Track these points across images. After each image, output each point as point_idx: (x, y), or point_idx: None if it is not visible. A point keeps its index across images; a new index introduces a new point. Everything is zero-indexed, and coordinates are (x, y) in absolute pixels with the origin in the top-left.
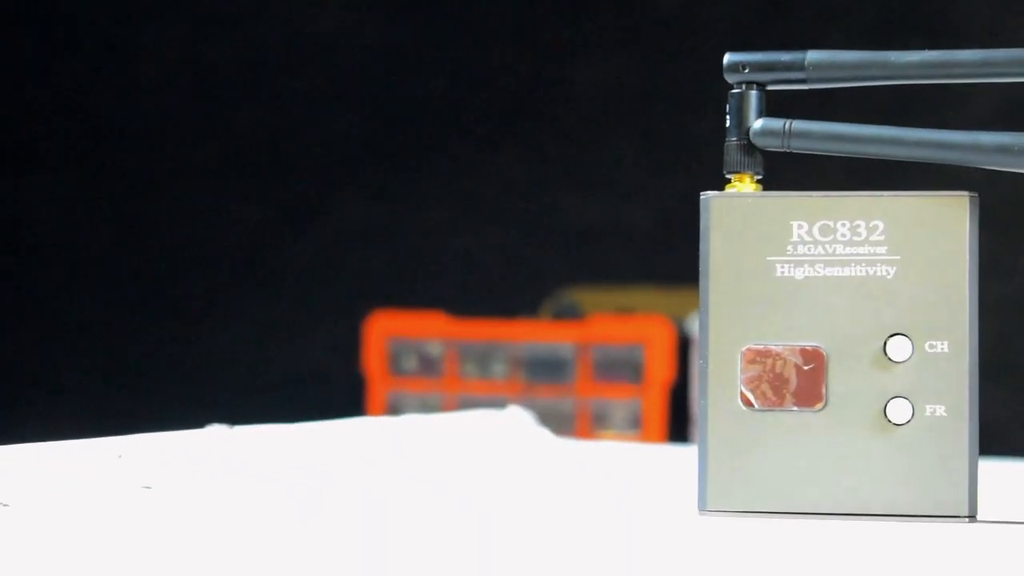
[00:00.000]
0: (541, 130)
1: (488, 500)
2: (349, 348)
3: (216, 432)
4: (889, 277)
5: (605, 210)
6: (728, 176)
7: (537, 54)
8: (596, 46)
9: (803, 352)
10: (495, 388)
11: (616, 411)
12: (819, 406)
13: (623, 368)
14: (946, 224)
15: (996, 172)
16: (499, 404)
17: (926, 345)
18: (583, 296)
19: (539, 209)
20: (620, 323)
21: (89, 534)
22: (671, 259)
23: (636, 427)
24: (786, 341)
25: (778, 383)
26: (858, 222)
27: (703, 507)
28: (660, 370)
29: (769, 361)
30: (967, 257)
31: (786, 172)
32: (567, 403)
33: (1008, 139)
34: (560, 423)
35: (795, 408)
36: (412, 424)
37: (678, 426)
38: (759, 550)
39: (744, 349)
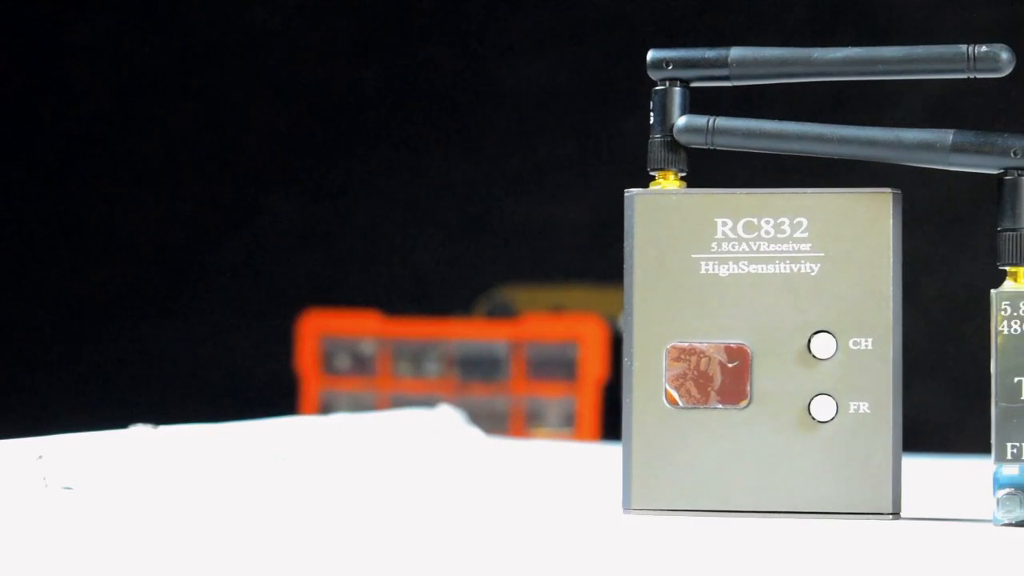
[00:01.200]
0: (474, 128)
1: (410, 499)
2: (282, 347)
3: (139, 432)
4: (813, 274)
5: (538, 208)
6: (652, 173)
7: (470, 53)
8: (529, 45)
9: (728, 350)
10: (429, 387)
11: (550, 409)
12: (743, 404)
13: (557, 366)
14: (870, 221)
15: (931, 170)
16: (433, 403)
17: (850, 342)
18: (517, 294)
19: (472, 207)
20: (554, 321)
21: (7, 536)
22: (605, 257)
23: (570, 425)
24: (711, 339)
25: (703, 381)
26: (782, 219)
27: (627, 506)
28: (594, 368)
29: (694, 359)
30: (890, 254)
31: (727, 169)
32: (501, 401)
33: (931, 136)
34: (494, 421)
35: (719, 406)
36: (339, 423)
37: (612, 424)
38: (680, 548)
39: (669, 347)
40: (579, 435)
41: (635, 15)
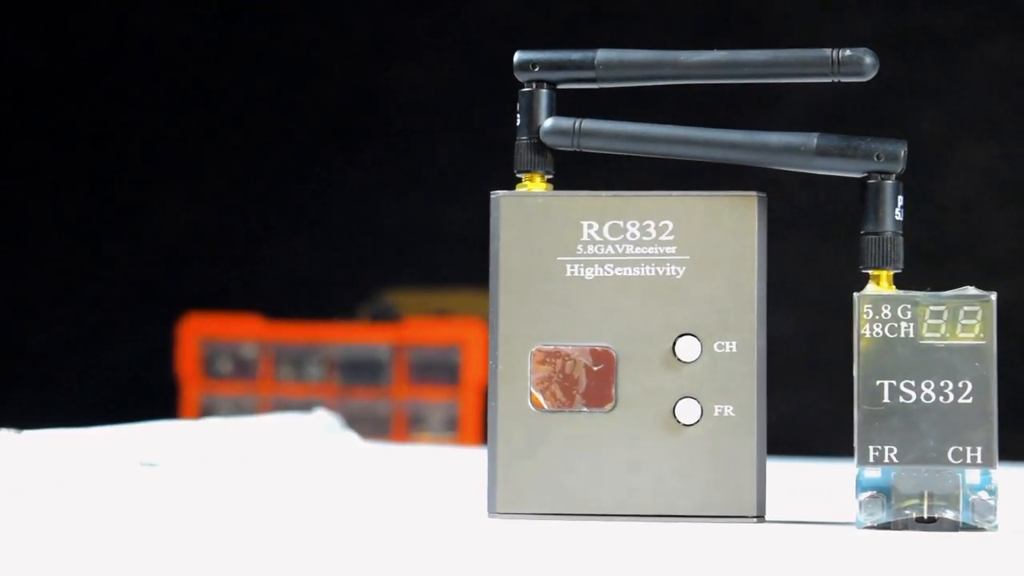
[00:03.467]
0: (357, 131)
1: (277, 504)
2: (162, 351)
3: (2, 437)
4: (678, 277)
5: (422, 212)
6: (518, 176)
7: (356, 57)
8: (414, 48)
9: (593, 353)
10: (310, 390)
11: (432, 413)
12: (609, 407)
13: (439, 370)
14: (734, 224)
15: (814, 175)
16: (315, 407)
17: (715, 345)
18: (400, 298)
19: (355, 211)
20: (436, 325)
21: None
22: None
23: (452, 429)
24: (576, 342)
25: (568, 384)
26: (648, 222)
27: (492, 510)
28: (476, 372)
29: (559, 362)
30: (755, 257)
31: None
32: (383, 405)
33: (795, 139)
34: (377, 426)
35: (585, 409)
36: (211, 428)
37: None
38: (538, 552)
39: (534, 350)
40: (462, 439)
41: (521, 18)
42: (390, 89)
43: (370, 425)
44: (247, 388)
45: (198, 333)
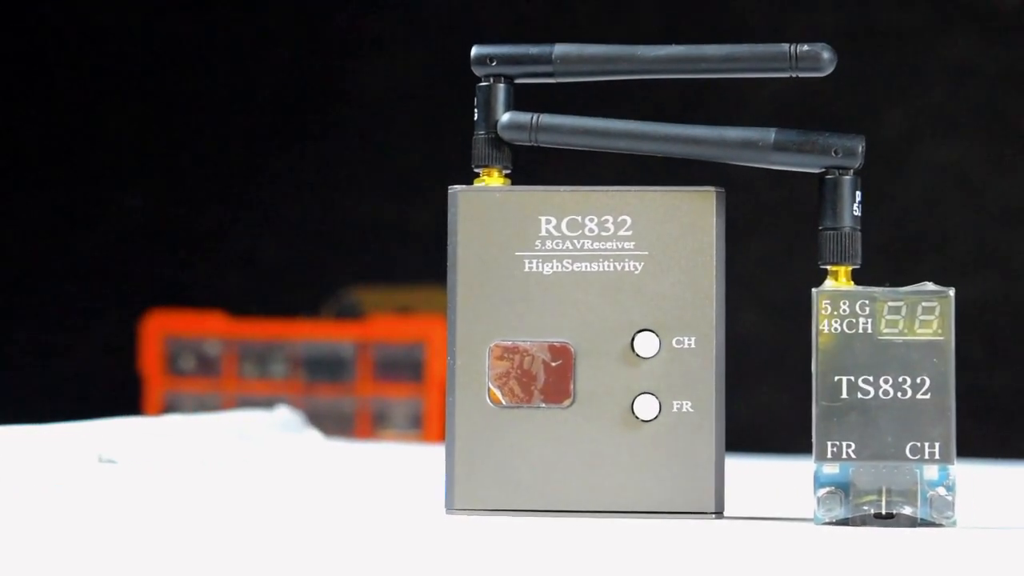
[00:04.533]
0: (323, 129)
1: (234, 500)
2: (125, 347)
3: None
4: (637, 273)
5: (386, 209)
6: (476, 170)
7: (321, 53)
8: (377, 45)
9: (551, 348)
10: (274, 388)
11: (397, 410)
12: (567, 403)
13: (404, 367)
14: (693, 219)
15: (778, 173)
16: (278, 404)
17: (673, 341)
18: (364, 295)
19: (320, 208)
20: (400, 322)
21: None
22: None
23: (417, 426)
24: (534, 337)
25: (526, 380)
26: (606, 217)
27: (450, 506)
28: (440, 369)
29: (517, 357)
30: (714, 252)
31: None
32: (348, 403)
33: (753, 134)
34: (341, 423)
35: (543, 405)
36: (171, 424)
37: None
38: (497, 549)
39: (492, 345)
40: (426, 436)
41: (485, 14)
42: (355, 85)
43: (334, 422)
44: (211, 385)
45: (161, 330)
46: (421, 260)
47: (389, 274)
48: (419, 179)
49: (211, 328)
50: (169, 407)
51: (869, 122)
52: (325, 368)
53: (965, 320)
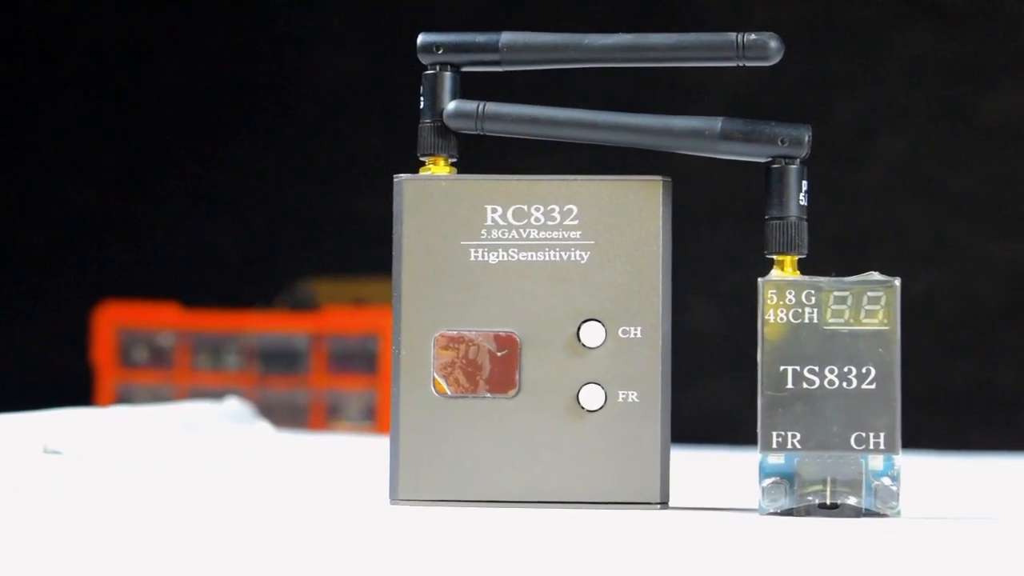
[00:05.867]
0: (276, 120)
1: (179, 491)
2: (77, 339)
3: None
4: (583, 262)
5: (340, 201)
6: (422, 159)
7: (274, 45)
8: (331, 37)
9: (497, 338)
10: (228, 379)
11: (351, 402)
12: (512, 393)
13: (357, 359)
14: (639, 208)
15: (734, 163)
16: (229, 395)
17: (619, 331)
18: (318, 287)
19: (275, 200)
20: (354, 314)
21: None
22: None
23: (371, 418)
24: (480, 327)
25: (471, 369)
26: (552, 206)
27: (394, 497)
28: None
29: (462, 347)
30: (660, 242)
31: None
32: (301, 394)
33: (699, 123)
34: (294, 414)
35: (488, 395)
36: (119, 415)
37: None
38: (439, 539)
39: (437, 335)
40: (380, 428)
41: (439, 8)
42: (308, 76)
43: (288, 414)
44: (164, 377)
45: (114, 321)
46: (375, 252)
47: (343, 266)
48: (373, 170)
49: (164, 320)
50: (121, 399)
51: (823, 114)
52: (279, 360)
53: (918, 312)
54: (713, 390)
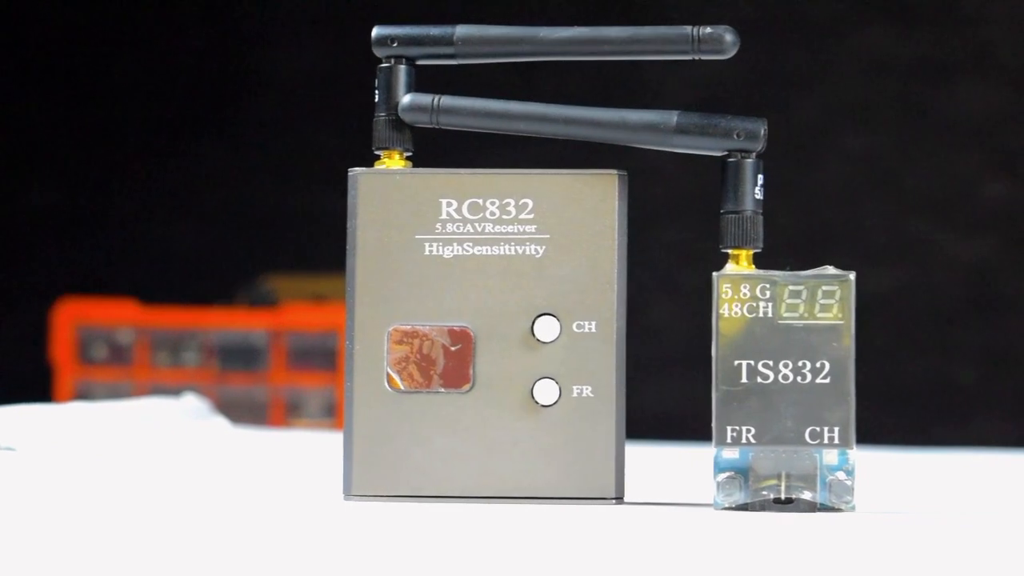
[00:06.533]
0: (237, 117)
1: (132, 488)
2: (36, 336)
3: None
4: (538, 256)
5: (300, 198)
6: (377, 153)
7: (229, 39)
8: (289, 31)
9: (451, 332)
10: (187, 376)
11: (310, 399)
12: (466, 388)
13: (317, 355)
14: (594, 203)
15: (693, 158)
16: (187, 392)
17: (574, 325)
18: (278, 283)
19: (235, 196)
20: (314, 310)
21: None
22: None
23: (331, 415)
24: (434, 321)
25: (425, 364)
26: (508, 200)
27: (348, 492)
28: None
29: (416, 342)
30: (615, 236)
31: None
32: (261, 391)
33: (655, 117)
34: (254, 411)
35: (442, 390)
36: (75, 412)
37: None
38: (391, 535)
39: (391, 329)
40: (340, 425)
41: (398, 2)
42: (266, 73)
43: (248, 411)
44: (123, 374)
45: (72, 318)
46: (335, 248)
47: (303, 262)
48: (332, 166)
49: (123, 316)
50: (80, 396)
51: (783, 111)
52: (238, 357)
53: (878, 308)
54: (669, 385)
